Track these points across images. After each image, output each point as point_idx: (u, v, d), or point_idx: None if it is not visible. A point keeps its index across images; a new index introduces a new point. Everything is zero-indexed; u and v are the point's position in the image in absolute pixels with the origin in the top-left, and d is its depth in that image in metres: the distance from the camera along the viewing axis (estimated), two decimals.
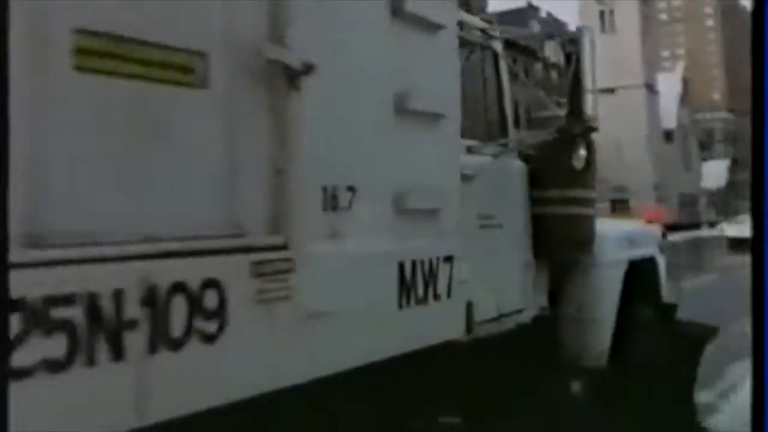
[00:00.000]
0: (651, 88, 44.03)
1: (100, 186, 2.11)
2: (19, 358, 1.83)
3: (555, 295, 5.10)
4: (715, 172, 56.17)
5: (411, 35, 3.36)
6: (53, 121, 1.99)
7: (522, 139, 4.97)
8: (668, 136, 45.03)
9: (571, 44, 4.67)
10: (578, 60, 4.56)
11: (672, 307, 6.06)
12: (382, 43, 3.22)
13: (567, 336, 4.98)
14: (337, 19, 2.93)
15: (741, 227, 25.93)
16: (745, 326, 2.33)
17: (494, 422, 4.13)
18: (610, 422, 4.89)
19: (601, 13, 44.28)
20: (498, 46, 4.81)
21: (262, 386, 2.46)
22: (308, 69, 2.66)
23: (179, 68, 2.36)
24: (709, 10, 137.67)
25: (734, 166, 59.46)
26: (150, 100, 2.25)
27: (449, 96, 3.64)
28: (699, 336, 6.05)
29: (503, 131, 4.80)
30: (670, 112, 45.67)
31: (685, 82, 53.77)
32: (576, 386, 4.98)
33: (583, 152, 4.64)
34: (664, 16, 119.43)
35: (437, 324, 3.41)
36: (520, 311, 4.52)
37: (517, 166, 4.83)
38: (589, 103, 4.57)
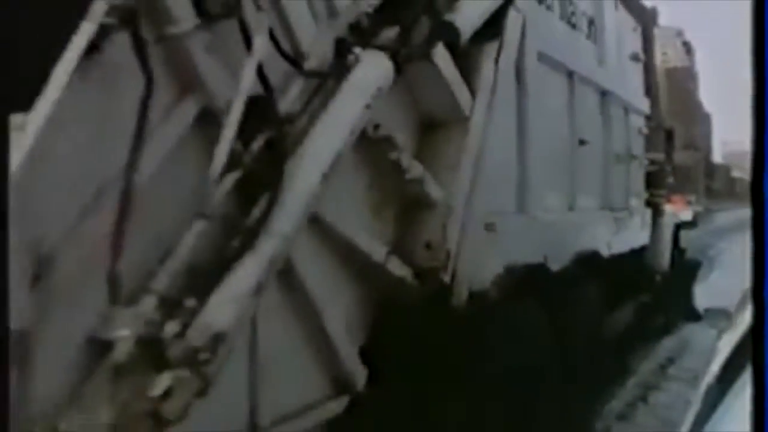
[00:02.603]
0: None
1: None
2: None
3: None
4: None
5: (637, 135, 9.45)
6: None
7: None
8: None
9: (669, 134, 10.90)
10: (673, 140, 10.78)
11: (684, 249, 12.39)
12: (634, 135, 9.31)
13: (651, 257, 11.09)
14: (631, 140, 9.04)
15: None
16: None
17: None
18: (670, 287, 11.08)
19: None
20: None
21: (626, 247, 8.54)
22: (636, 156, 8.76)
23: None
24: None
25: None
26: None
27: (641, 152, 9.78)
28: (695, 263, 12.51)
29: None
30: None
31: None
32: (657, 277, 11.09)
33: (671, 177, 10.85)
34: None
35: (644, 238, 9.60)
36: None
37: None
38: (676, 157, 10.79)
